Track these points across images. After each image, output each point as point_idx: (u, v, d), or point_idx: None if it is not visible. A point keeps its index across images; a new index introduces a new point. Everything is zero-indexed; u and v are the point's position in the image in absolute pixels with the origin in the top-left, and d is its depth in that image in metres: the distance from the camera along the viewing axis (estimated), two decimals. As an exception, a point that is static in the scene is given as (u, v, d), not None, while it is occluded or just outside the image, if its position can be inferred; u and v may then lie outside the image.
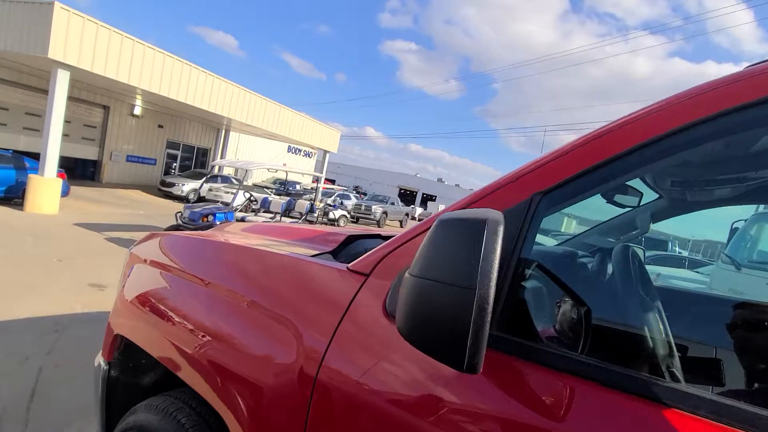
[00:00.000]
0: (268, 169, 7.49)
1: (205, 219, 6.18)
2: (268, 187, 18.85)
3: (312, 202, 8.31)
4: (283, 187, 20.22)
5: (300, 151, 26.65)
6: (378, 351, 0.78)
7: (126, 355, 1.42)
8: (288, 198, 8.36)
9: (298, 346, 0.86)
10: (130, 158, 16.34)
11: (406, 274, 0.61)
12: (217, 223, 6.25)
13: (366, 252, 1.24)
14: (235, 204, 6.73)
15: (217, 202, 13.14)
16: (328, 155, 19.18)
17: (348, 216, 15.84)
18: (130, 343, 1.35)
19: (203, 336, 1.05)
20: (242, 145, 21.86)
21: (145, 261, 1.46)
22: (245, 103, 13.32)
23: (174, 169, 18.42)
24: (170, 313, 1.19)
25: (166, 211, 11.74)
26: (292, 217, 8.18)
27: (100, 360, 1.43)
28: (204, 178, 15.68)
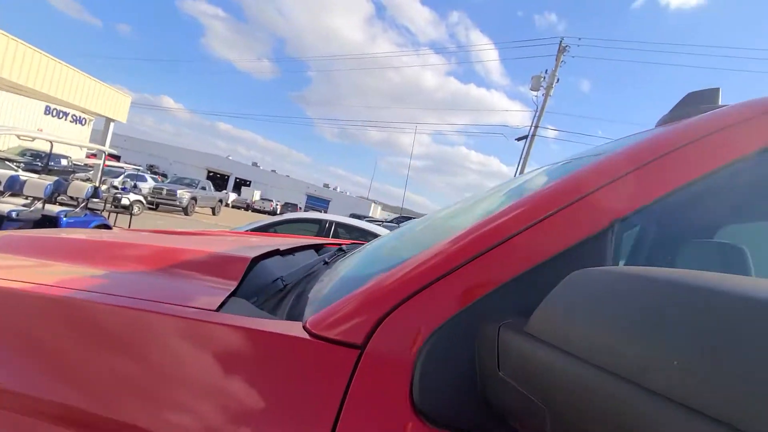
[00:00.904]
0: (18, 136, 5.18)
1: None
2: (11, 160, 13.61)
3: (95, 185, 6.32)
4: (40, 161, 14.94)
5: (66, 115, 20.34)
6: None
7: None
8: (56, 178, 6.12)
9: None
10: None
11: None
12: None
13: (296, 286, 0.83)
14: None
15: None
16: (113, 125, 15.22)
17: (144, 202, 12.99)
18: None
19: None
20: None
21: None
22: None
23: None
24: None
25: None
26: (62, 204, 6.05)
27: None
28: None
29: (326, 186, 57.08)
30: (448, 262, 0.54)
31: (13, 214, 4.97)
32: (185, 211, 16.66)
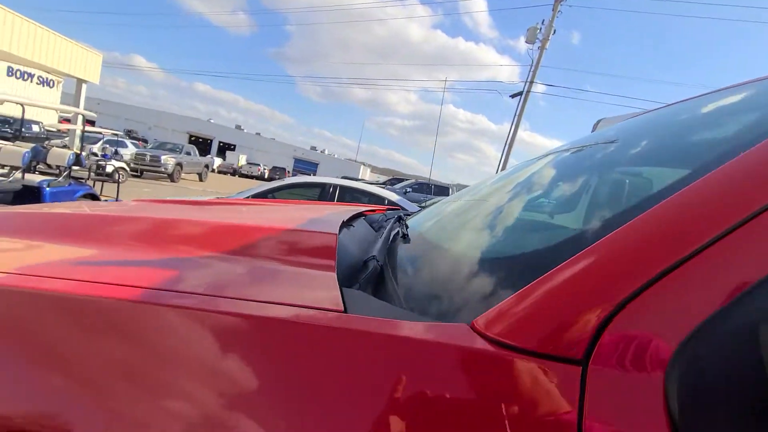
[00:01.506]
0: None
1: None
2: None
3: (77, 151, 5.90)
4: (10, 127, 14.02)
5: (31, 76, 18.96)
6: None
7: None
8: (32, 145, 5.68)
9: None
10: None
11: None
12: None
13: (395, 268, 0.65)
14: None
15: None
16: (85, 86, 14.26)
17: (128, 169, 12.42)
18: None
19: None
20: None
21: None
22: None
23: None
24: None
25: None
26: (43, 173, 5.67)
27: None
28: None
29: (314, 149, 55.87)
30: (689, 241, 0.38)
31: (-11, 185, 4.62)
32: (171, 177, 16.08)
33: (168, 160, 15.81)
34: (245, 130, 52.34)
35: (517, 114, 16.17)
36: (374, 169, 70.98)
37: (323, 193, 4.55)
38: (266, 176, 36.24)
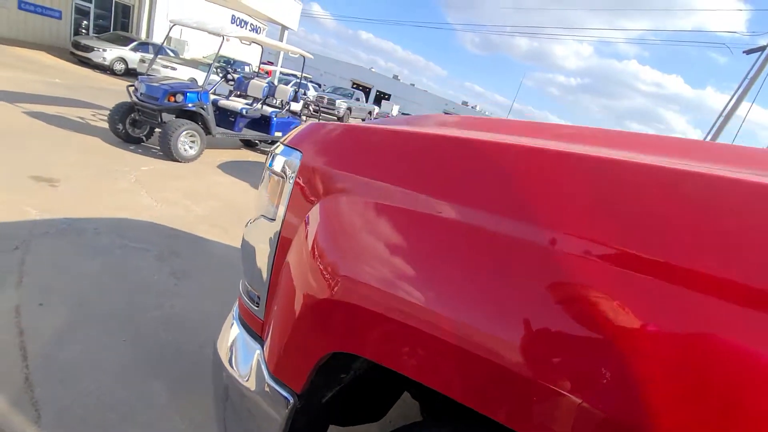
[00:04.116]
0: (241, 40, 5.82)
1: (173, 98, 4.76)
2: (210, 64, 16.00)
3: (297, 89, 6.93)
4: (231, 66, 17.29)
5: (246, 23, 22.60)
6: None
7: (326, 375, 0.73)
8: (267, 79, 6.87)
9: None
10: (24, 5, 12.47)
11: None
12: (189, 105, 4.92)
13: None
14: (209, 82, 5.24)
15: (171, 78, 10.84)
16: (287, 33, 16.34)
17: (310, 108, 14.18)
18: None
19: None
20: (174, 6, 17.74)
21: (345, 191, 0.68)
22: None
23: (85, 29, 14.60)
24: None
25: (91, 83, 9.43)
26: (270, 106, 6.85)
27: (275, 390, 0.72)
28: (132, 44, 12.71)
29: (465, 104, 54.22)
30: None
31: (244, 111, 5.80)
32: (341, 120, 17.82)
33: (341, 104, 17.48)
34: (401, 81, 53.60)
35: (750, 77, 12.44)
36: (525, 132, 65.37)
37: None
38: (416, 128, 37.01)
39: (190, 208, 3.51)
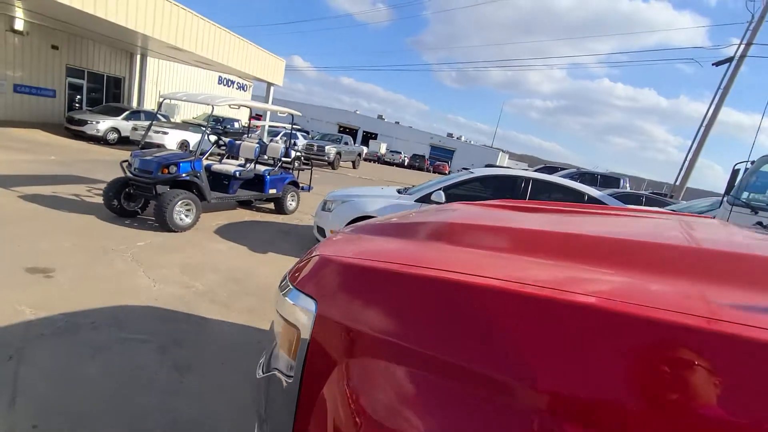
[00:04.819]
0: (230, 105, 5.98)
1: (166, 170, 4.80)
2: (200, 125, 16.41)
3: (287, 145, 7.05)
4: (220, 125, 17.72)
5: (233, 83, 23.48)
6: None
7: None
8: (258, 139, 7.00)
9: None
10: (20, 88, 12.91)
11: None
12: (183, 175, 4.95)
13: None
14: (202, 149, 5.31)
15: (161, 145, 11.03)
16: (272, 89, 16.93)
17: (302, 158, 14.42)
18: None
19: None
20: (164, 74, 18.45)
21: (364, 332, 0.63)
22: (167, 18, 10.73)
23: (78, 103, 15.06)
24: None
25: (85, 156, 9.57)
26: (263, 164, 6.94)
27: None
28: (124, 114, 13.05)
29: (450, 135, 55.58)
30: None
31: (237, 173, 5.85)
32: (332, 165, 18.07)
33: (330, 150, 17.79)
34: (386, 119, 55.18)
35: (723, 87, 12.92)
36: (512, 156, 66.81)
37: (514, 187, 4.40)
38: (406, 164, 37.64)
39: (189, 285, 3.43)
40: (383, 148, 40.99)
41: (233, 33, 13.49)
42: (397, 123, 55.54)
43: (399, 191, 5.02)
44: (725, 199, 5.74)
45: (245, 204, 6.90)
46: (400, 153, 38.68)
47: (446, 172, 37.87)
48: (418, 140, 51.45)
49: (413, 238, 0.89)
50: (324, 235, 4.74)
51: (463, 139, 56.82)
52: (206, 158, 5.69)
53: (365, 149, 37.56)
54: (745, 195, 5.31)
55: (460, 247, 0.80)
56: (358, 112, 54.44)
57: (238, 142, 6.65)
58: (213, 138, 6.12)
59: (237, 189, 6.06)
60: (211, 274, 3.75)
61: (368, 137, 50.14)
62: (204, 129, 7.72)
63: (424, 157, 39.93)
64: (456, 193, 4.44)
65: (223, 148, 6.38)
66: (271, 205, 7.01)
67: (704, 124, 13.50)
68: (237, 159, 6.75)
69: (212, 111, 5.33)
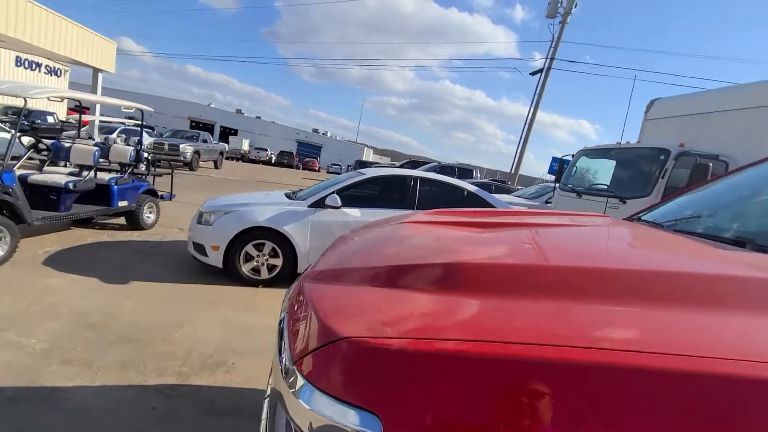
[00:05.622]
0: (48, 98, 4.55)
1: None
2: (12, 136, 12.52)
3: (138, 147, 5.82)
4: (27, 120, 13.74)
5: (39, 66, 18.55)
6: None
7: None
8: (95, 141, 5.60)
9: None
10: None
11: None
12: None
13: None
14: (11, 155, 3.91)
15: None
16: (101, 76, 13.96)
17: (155, 160, 12.28)
18: None
19: None
20: None
21: None
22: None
23: None
24: None
25: None
26: (106, 170, 5.62)
27: None
28: None
29: (316, 131, 55.23)
30: None
31: (70, 185, 4.59)
32: (190, 166, 15.94)
33: (186, 149, 15.63)
34: (245, 114, 51.61)
35: (537, 92, 15.98)
36: (376, 151, 70.33)
37: (404, 186, 4.54)
38: (273, 161, 35.94)
39: (20, 345, 2.52)
40: (246, 145, 38.24)
41: (37, 3, 10.57)
42: (259, 118, 52.54)
43: (288, 195, 4.67)
44: (557, 186, 7.07)
45: (82, 222, 5.50)
46: (266, 150, 36.76)
47: (316, 168, 37.54)
48: (284, 136, 49.68)
49: (428, 291, 0.75)
50: (203, 253, 4.08)
51: (329, 134, 57.13)
52: (18, 167, 4.30)
53: (226, 146, 34.48)
54: (570, 182, 6.60)
55: (497, 299, 0.69)
56: (212, 105, 49.53)
57: (67, 144, 5.21)
58: (27, 140, 4.63)
59: (71, 204, 4.76)
60: (51, 322, 2.84)
61: (227, 133, 46.05)
62: (6, 126, 5.83)
63: (292, 153, 38.79)
64: (350, 194, 4.35)
65: (45, 153, 4.90)
66: (121, 220, 5.76)
67: (527, 122, 16.48)
68: (67, 166, 5.31)
69: (25, 104, 4.01)
